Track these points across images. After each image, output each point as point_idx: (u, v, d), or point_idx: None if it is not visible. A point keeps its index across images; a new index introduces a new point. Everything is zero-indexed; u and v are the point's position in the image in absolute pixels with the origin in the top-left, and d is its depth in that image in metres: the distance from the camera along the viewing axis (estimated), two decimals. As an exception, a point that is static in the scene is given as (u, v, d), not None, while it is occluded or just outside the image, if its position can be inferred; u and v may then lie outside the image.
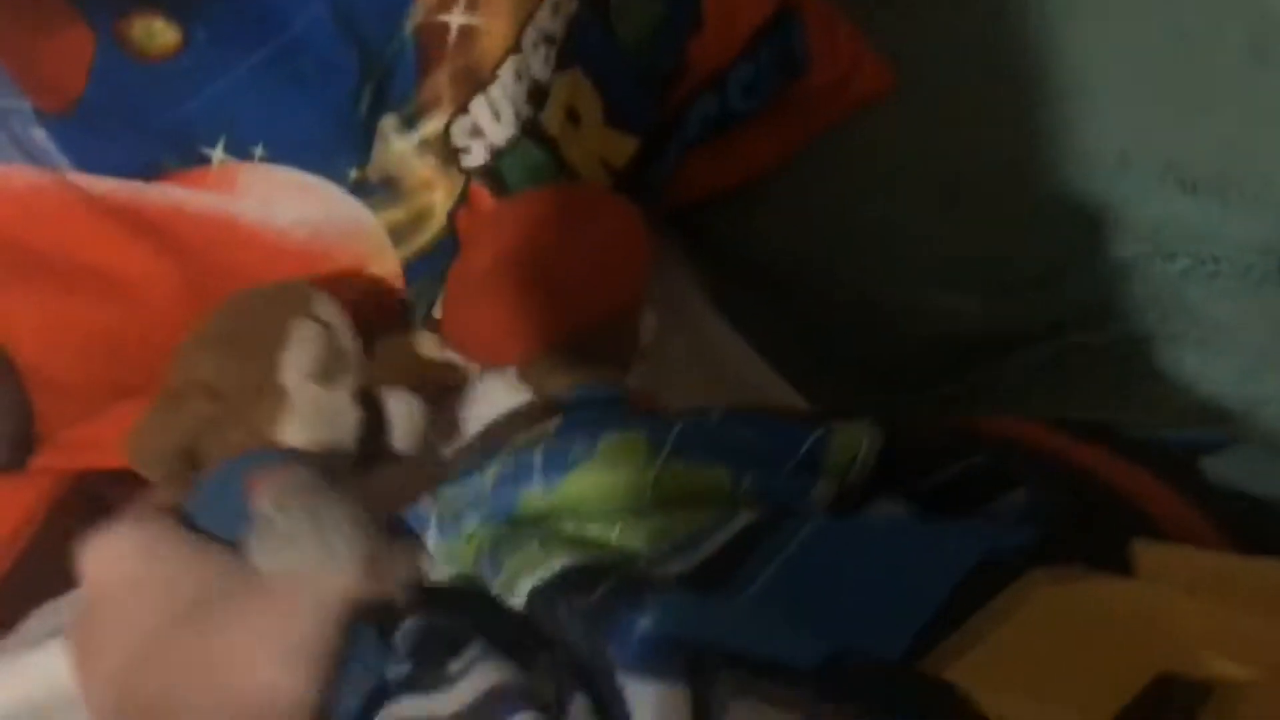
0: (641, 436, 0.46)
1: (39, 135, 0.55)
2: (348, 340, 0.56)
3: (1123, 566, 0.40)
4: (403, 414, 0.57)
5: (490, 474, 0.47)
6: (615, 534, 0.43)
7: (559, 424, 0.52)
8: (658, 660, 0.36)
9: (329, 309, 0.56)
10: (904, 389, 0.67)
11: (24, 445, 0.54)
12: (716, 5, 0.66)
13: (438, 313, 0.65)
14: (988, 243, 0.67)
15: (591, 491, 0.46)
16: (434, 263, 0.64)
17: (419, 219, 0.64)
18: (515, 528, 0.45)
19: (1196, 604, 0.38)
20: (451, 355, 0.65)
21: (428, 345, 0.65)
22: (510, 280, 0.62)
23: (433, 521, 0.48)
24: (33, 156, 0.54)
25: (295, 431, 0.52)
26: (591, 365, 0.62)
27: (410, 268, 0.63)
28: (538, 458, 0.47)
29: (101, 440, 0.56)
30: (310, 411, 0.53)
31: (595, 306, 0.61)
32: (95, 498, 0.56)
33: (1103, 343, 0.64)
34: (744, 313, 0.72)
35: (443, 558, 0.48)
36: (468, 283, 0.63)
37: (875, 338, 0.68)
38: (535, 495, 0.46)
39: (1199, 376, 0.63)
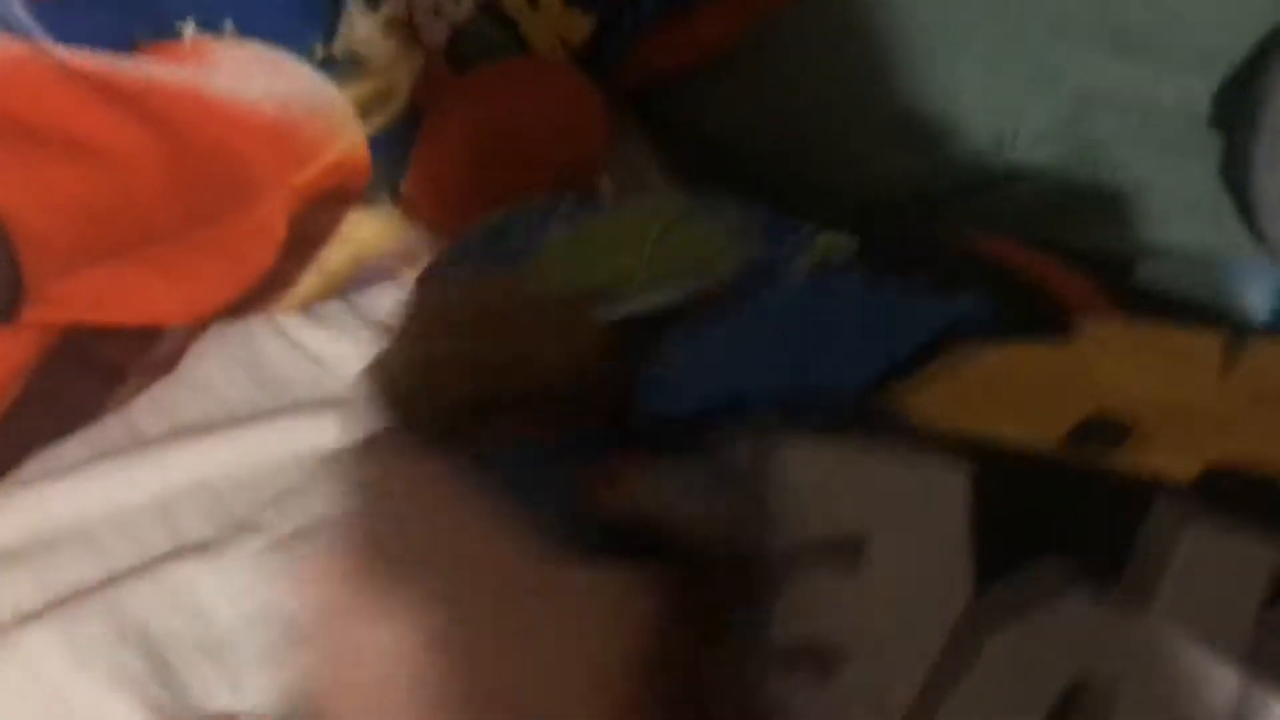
0: (662, 201, 0.52)
1: (17, 8, 0.57)
2: None
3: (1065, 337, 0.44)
4: None
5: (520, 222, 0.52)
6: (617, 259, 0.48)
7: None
8: None
9: None
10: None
11: (13, 299, 0.56)
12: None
13: (403, 187, 0.68)
14: (931, 106, 0.71)
15: (610, 230, 0.51)
16: (399, 137, 0.67)
17: (383, 95, 0.67)
18: None
19: (1125, 362, 0.42)
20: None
21: (394, 217, 0.68)
22: (473, 146, 0.66)
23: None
24: (11, 28, 0.56)
25: None
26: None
27: (375, 142, 0.67)
28: (567, 208, 0.52)
29: (86, 298, 0.58)
30: None
31: (553, 168, 0.65)
32: (83, 350, 0.59)
33: (1039, 191, 0.68)
34: (699, 186, 0.76)
35: None
36: (433, 151, 0.66)
37: (825, 204, 0.72)
38: (559, 234, 0.51)
39: (1128, 222, 0.67)
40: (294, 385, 0.65)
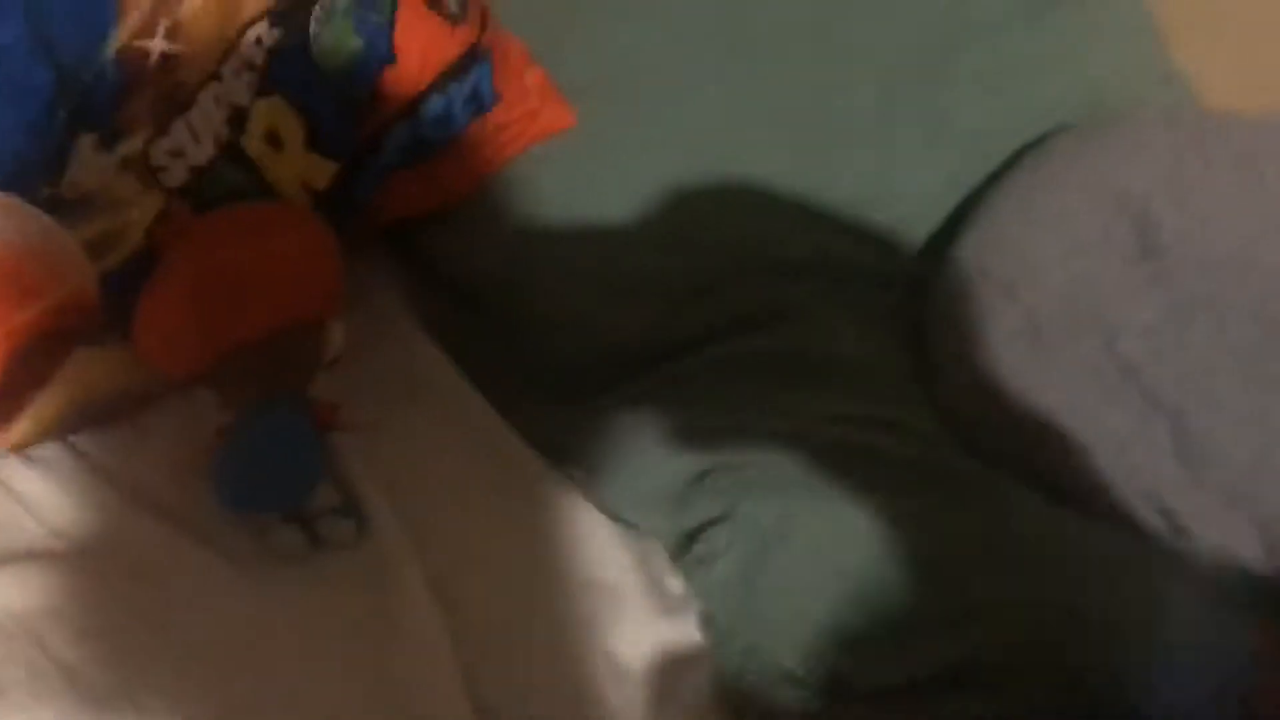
0: None
1: None
2: None
3: None
4: None
5: None
6: None
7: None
8: None
9: None
10: (591, 395, 0.75)
11: None
12: (407, 42, 0.72)
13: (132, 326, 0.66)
14: (651, 262, 0.77)
15: None
16: (130, 277, 0.66)
17: (116, 234, 0.66)
18: None
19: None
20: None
21: (123, 358, 0.66)
22: (199, 291, 0.65)
23: None
24: None
25: None
26: (274, 374, 0.66)
27: (107, 282, 0.65)
28: None
29: None
30: None
31: (279, 317, 0.66)
32: None
33: (747, 352, 0.73)
34: (449, 329, 0.78)
35: None
36: (160, 295, 0.65)
37: (557, 349, 0.75)
38: None
39: (829, 389, 0.72)
40: (-6, 530, 0.62)
